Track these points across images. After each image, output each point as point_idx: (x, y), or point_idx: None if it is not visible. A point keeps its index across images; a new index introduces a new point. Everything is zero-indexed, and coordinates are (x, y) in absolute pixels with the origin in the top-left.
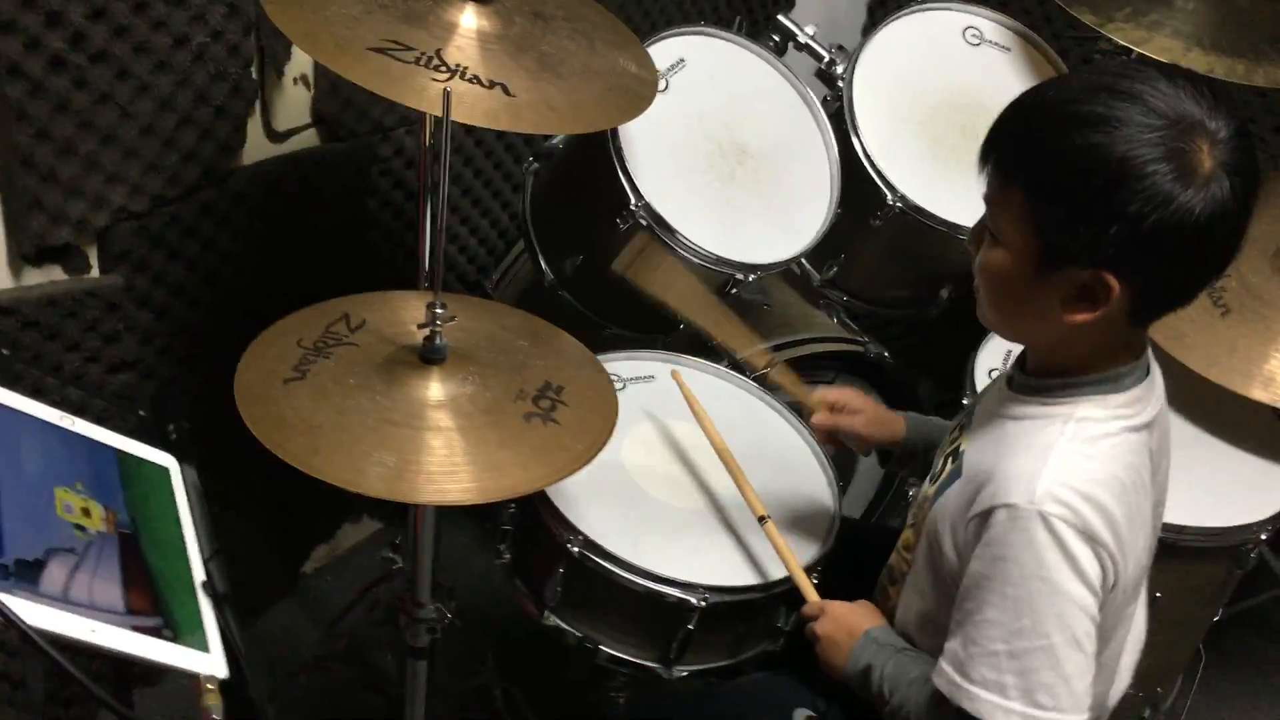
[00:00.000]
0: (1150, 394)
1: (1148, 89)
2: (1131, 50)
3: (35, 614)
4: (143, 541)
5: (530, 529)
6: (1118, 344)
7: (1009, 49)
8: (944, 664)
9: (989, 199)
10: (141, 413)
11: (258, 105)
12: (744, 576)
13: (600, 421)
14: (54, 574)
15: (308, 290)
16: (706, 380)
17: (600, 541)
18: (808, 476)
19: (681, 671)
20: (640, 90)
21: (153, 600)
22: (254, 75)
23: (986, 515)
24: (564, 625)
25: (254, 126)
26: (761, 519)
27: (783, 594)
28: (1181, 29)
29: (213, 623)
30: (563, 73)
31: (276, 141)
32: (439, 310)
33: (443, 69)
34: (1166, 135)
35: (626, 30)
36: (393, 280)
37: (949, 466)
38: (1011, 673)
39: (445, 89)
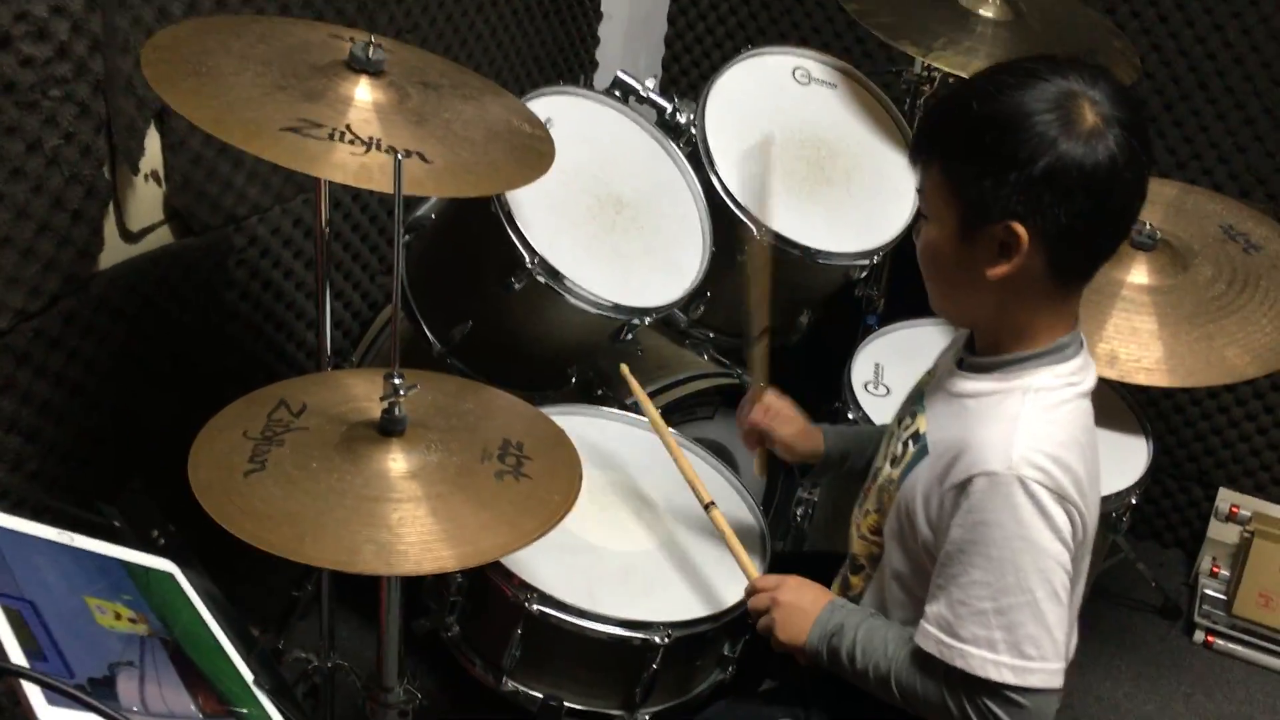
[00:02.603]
0: (1088, 363)
1: (1036, 67)
2: (952, 76)
3: None
4: (184, 645)
5: (479, 596)
6: (1051, 311)
7: (835, 85)
8: (929, 627)
9: (920, 188)
10: (116, 524)
11: (110, 206)
12: (698, 609)
13: (567, 470)
14: (126, 689)
15: (175, 393)
16: (611, 426)
17: (557, 595)
18: (731, 503)
19: (645, 715)
20: (540, 148)
21: (221, 702)
22: (106, 175)
23: (965, 484)
24: (524, 688)
25: (109, 228)
26: (708, 506)
27: (732, 622)
28: (993, 52)
29: (279, 717)
30: (470, 136)
31: (131, 242)
32: (397, 380)
33: (358, 142)
34: (1051, 95)
35: (507, 93)
36: (260, 371)
37: (911, 449)
38: (999, 628)
39: (397, 156)
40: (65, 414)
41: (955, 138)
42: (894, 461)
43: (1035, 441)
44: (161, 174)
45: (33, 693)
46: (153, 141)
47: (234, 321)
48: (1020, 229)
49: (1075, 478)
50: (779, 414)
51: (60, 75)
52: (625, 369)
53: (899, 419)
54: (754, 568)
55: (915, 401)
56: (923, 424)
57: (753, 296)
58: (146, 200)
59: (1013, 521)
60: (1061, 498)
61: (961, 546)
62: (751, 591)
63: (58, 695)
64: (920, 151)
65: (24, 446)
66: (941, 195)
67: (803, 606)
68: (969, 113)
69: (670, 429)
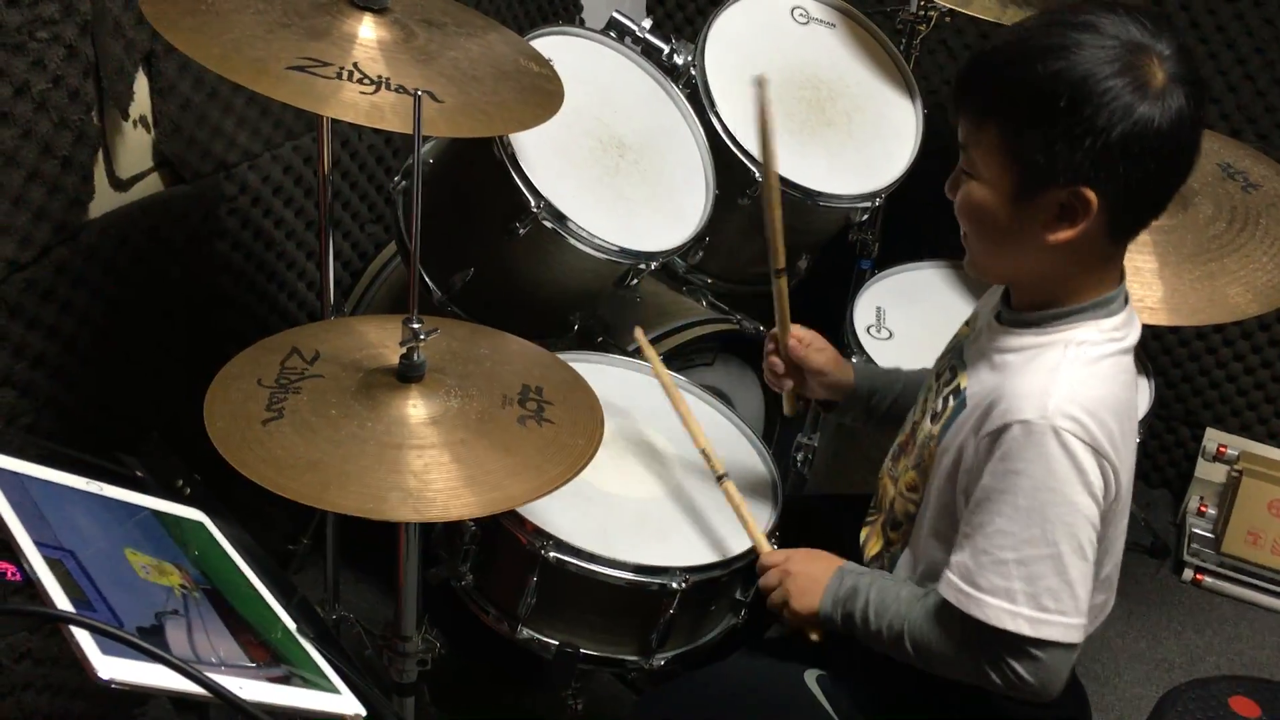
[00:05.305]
0: (1132, 318)
1: (1096, 19)
2: (956, 11)
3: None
4: (224, 594)
5: (493, 544)
6: (1101, 267)
7: (834, 25)
8: (951, 575)
9: (965, 142)
10: (139, 474)
11: (100, 153)
12: (713, 554)
13: (589, 414)
14: (175, 637)
15: (168, 346)
16: (615, 373)
17: (573, 542)
18: (740, 448)
19: (660, 660)
20: (548, 87)
21: (267, 650)
22: (95, 120)
23: (1000, 432)
24: (540, 636)
25: (99, 175)
26: (720, 477)
27: (746, 566)
28: None
29: (325, 663)
30: (478, 75)
31: (121, 190)
32: (416, 325)
33: (366, 81)
34: (1119, 54)
35: (511, 32)
36: (253, 321)
37: (951, 403)
38: (1019, 579)
39: (417, 94)
40: (60, 368)
41: (1018, 100)
42: (934, 418)
43: (1073, 393)
44: (150, 119)
45: (86, 641)
46: (141, 86)
47: (226, 272)
48: (1090, 194)
49: (1110, 433)
50: (812, 342)
51: (47, 16)
52: (640, 332)
53: (937, 374)
54: (766, 543)
55: (955, 356)
56: (964, 380)
57: (771, 231)
58: (136, 147)
59: (1044, 472)
60: (1096, 452)
61: (989, 495)
62: (763, 569)
63: (112, 643)
64: (970, 109)
65: (18, 400)
66: (997, 157)
67: (814, 575)
68: (1034, 73)
69: (681, 391)
